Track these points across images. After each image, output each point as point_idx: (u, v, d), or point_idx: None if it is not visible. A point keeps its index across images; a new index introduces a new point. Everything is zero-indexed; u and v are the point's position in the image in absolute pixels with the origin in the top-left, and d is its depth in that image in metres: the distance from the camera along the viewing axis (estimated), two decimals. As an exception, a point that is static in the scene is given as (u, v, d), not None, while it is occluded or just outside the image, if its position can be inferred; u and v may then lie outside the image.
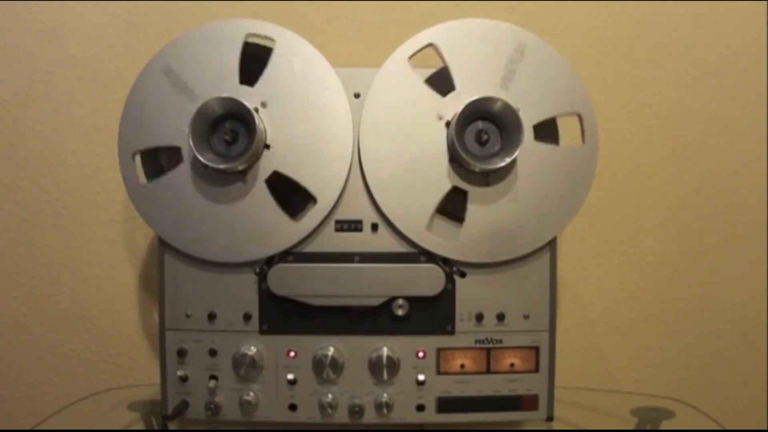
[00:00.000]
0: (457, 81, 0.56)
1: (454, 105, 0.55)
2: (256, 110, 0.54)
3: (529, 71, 0.56)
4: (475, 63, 0.56)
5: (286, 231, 0.56)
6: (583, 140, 0.57)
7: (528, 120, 0.55)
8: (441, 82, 0.56)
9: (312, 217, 0.56)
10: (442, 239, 0.57)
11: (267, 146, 0.56)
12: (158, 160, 0.59)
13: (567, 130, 0.58)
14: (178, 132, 0.55)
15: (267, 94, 0.56)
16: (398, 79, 0.56)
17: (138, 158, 0.57)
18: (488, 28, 0.56)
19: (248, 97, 0.54)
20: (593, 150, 0.57)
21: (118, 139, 0.56)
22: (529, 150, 0.55)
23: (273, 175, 0.56)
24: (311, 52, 0.56)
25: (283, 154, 0.56)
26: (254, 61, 0.56)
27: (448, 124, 0.55)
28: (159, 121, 0.56)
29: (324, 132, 0.56)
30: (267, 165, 0.56)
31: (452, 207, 0.56)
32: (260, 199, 0.56)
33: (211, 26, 0.56)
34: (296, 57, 0.56)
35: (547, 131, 0.57)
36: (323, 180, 0.56)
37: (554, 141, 0.58)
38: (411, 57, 0.56)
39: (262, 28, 0.56)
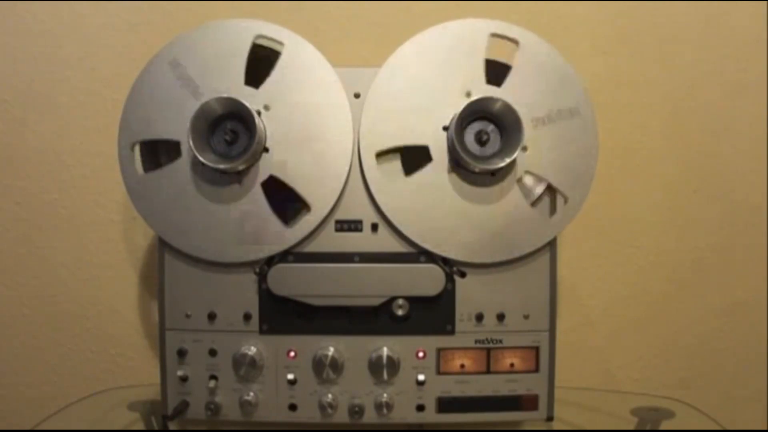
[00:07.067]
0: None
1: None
2: (259, 113, 0.54)
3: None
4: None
5: (279, 235, 0.56)
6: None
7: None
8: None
9: (305, 224, 0.56)
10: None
11: (266, 149, 0.56)
12: (157, 155, 0.59)
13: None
14: (178, 127, 0.55)
15: (271, 97, 0.56)
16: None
17: (137, 150, 0.57)
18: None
19: (252, 99, 0.54)
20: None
21: (119, 127, 0.56)
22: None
23: (270, 179, 0.56)
24: (313, 53, 0.56)
25: (281, 158, 0.56)
26: (258, 61, 0.56)
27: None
28: (161, 114, 0.56)
29: (324, 132, 0.56)
30: (264, 168, 0.56)
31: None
32: (256, 202, 0.56)
33: (220, 24, 0.56)
34: (302, 62, 0.56)
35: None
36: (319, 188, 0.56)
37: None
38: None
39: (272, 30, 0.56)
